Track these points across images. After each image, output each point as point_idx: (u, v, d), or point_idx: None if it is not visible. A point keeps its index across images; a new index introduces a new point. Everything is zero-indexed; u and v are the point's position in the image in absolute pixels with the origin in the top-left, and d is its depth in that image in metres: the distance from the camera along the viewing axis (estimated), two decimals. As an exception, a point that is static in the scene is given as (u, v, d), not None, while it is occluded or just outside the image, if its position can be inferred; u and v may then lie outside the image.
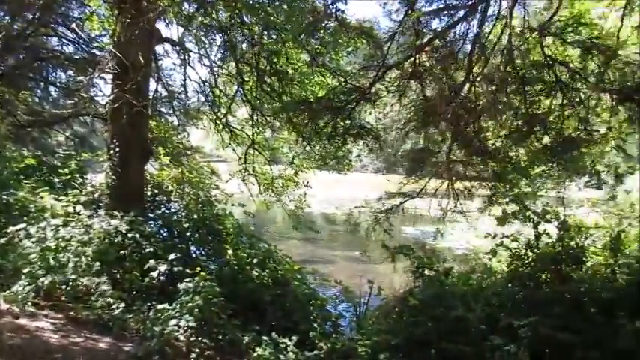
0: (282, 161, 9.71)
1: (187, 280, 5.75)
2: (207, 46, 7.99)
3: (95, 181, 8.33)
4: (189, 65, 8.04)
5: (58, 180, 8.27)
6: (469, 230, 22.39)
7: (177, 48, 7.66)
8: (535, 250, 5.90)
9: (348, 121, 5.17)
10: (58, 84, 11.70)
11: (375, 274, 13.51)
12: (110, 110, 6.95)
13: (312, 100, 5.64)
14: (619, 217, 7.65)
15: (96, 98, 11.42)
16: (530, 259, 6.00)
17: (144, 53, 7.36)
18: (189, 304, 5.24)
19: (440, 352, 5.09)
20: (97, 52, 11.11)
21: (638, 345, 4.42)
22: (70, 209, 7.12)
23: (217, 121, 9.43)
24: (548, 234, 6.09)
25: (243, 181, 9.43)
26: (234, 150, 9.42)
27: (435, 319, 5.31)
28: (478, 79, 4.49)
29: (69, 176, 8.23)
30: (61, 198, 7.13)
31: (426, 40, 4.47)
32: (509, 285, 5.82)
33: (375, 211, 6.16)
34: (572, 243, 6.00)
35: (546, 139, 4.88)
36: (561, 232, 6.03)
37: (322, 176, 10.22)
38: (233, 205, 8.36)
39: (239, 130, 9.37)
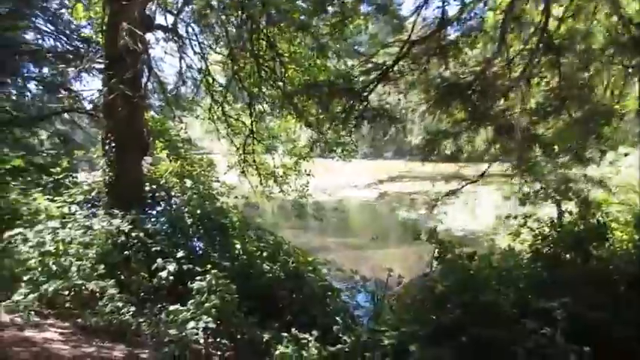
0: (282, 150, 9.38)
1: (199, 278, 5.47)
2: (200, 31, 7.57)
3: (88, 180, 7.90)
4: (184, 53, 7.62)
5: (50, 180, 7.79)
6: (462, 212, 22.29)
7: (171, 35, 7.24)
8: (558, 229, 5.75)
9: (365, 103, 4.88)
10: (39, 79, 11.14)
11: (375, 260, 13.43)
12: (104, 103, 6.51)
13: (323, 82, 5.33)
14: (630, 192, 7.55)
15: (81, 93, 11.00)
16: (552, 238, 5.87)
17: (135, 41, 6.96)
18: (206, 305, 4.95)
19: (472, 339, 4.89)
20: (79, 44, 10.64)
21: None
22: (66, 210, 6.74)
23: (212, 111, 9.05)
24: (570, 212, 5.96)
25: (243, 172, 9.10)
26: (231, 140, 9.05)
27: (464, 306, 5.12)
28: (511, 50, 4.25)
29: (61, 175, 7.77)
30: (56, 198, 6.70)
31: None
32: (534, 266, 5.67)
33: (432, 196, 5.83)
34: (594, 220, 5.88)
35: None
36: (583, 210, 5.89)
37: (307, 164, 9.86)
38: (236, 197, 8.04)
39: (235, 119, 9.00)
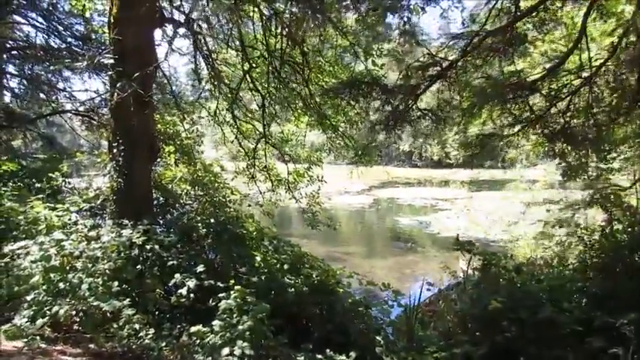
0: (294, 155, 8.88)
1: (222, 295, 4.95)
2: (211, 27, 7.04)
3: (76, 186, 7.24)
4: (198, 50, 7.06)
5: (48, 186, 7.13)
6: (458, 218, 22.20)
7: (184, 30, 6.71)
8: (610, 239, 5.41)
9: (413, 103, 4.45)
10: (28, 78, 10.41)
11: (387, 268, 13.02)
12: (114, 103, 5.94)
13: (363, 80, 4.88)
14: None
15: (72, 93, 10.34)
16: (602, 248, 5.52)
17: (145, 36, 6.43)
18: (240, 327, 4.41)
19: (531, 359, 4.51)
20: (73, 41, 9.99)
21: None
22: (68, 219, 6.12)
23: (218, 113, 8.51)
24: (619, 219, 5.63)
25: (253, 178, 8.56)
26: (240, 144, 8.52)
27: (520, 323, 4.72)
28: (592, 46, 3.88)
29: (59, 181, 7.13)
30: (58, 206, 6.07)
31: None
32: (588, 279, 5.31)
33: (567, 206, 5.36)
34: (640, 229, 5.56)
35: None
36: (632, 219, 5.56)
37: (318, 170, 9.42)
38: (249, 205, 7.51)
39: (246, 122, 8.48)
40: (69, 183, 8.12)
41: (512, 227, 12.99)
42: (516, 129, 4.72)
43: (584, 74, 4.20)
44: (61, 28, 9.77)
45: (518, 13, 3.91)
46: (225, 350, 4.19)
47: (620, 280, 5.04)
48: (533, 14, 3.94)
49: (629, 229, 5.48)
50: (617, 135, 4.82)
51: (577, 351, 4.45)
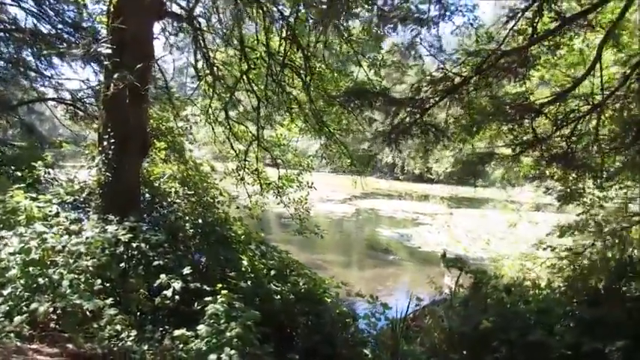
0: (286, 160, 8.76)
1: (209, 299, 4.81)
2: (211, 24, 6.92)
3: (73, 178, 6.96)
4: (196, 46, 6.90)
5: (29, 175, 6.85)
6: (439, 233, 22.28)
7: (183, 24, 6.55)
8: (599, 265, 5.46)
9: (420, 116, 4.41)
10: (14, 62, 10.03)
11: (369, 279, 12.93)
12: (107, 95, 5.74)
13: (371, 90, 4.83)
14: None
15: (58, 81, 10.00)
16: (589, 274, 5.57)
17: (145, 28, 6.27)
18: (228, 334, 4.28)
19: (520, 382, 4.50)
20: (63, 27, 9.69)
21: None
22: (49, 211, 5.87)
23: (210, 112, 8.35)
24: (610, 244, 5.68)
25: (242, 180, 8.41)
26: (232, 146, 8.37)
27: (509, 344, 4.70)
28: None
29: (41, 171, 6.85)
30: (40, 197, 5.82)
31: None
32: (575, 303, 5.33)
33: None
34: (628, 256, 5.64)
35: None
36: (619, 244, 5.62)
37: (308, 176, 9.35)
38: (237, 207, 7.37)
39: (240, 122, 8.34)
40: (49, 173, 7.83)
41: (494, 246, 13.13)
42: (517, 150, 4.74)
43: (592, 101, 4.24)
44: (52, 13, 9.47)
45: (535, 36, 3.93)
46: (212, 357, 4.04)
47: (608, 307, 5.08)
48: (550, 37, 3.97)
49: (618, 257, 5.54)
50: (616, 163, 4.88)
51: (565, 375, 4.45)
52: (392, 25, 4.82)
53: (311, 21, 5.98)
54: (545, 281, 6.05)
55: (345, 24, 5.75)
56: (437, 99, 4.24)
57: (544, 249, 5.94)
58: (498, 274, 6.80)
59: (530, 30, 3.94)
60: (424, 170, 48.15)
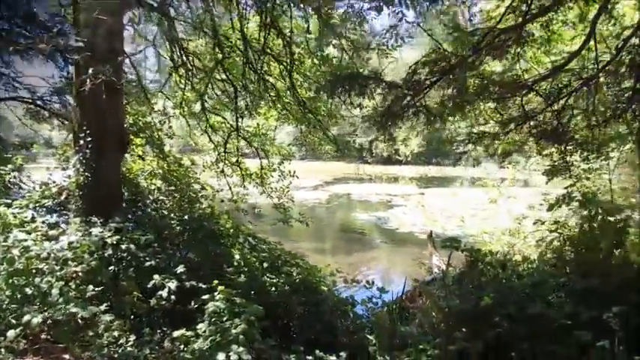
0: (266, 149, 8.58)
1: (207, 297, 4.67)
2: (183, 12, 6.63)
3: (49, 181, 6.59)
4: (166, 36, 6.59)
5: (-1, 180, 6.45)
6: (414, 214, 22.58)
7: (156, 13, 6.24)
8: (588, 236, 5.62)
9: (413, 99, 4.37)
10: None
11: (352, 265, 12.97)
12: (80, 91, 5.43)
13: (362, 74, 4.73)
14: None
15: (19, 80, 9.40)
16: (578, 245, 5.73)
17: (115, 19, 5.94)
18: (234, 331, 4.17)
19: (522, 355, 4.59)
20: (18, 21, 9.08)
21: None
22: (24, 217, 5.55)
23: (185, 104, 8.08)
24: (593, 215, 5.85)
25: (222, 171, 8.21)
26: (209, 137, 8.13)
27: (510, 318, 4.79)
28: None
29: (10, 175, 6.47)
30: (15, 203, 5.49)
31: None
32: (567, 275, 5.49)
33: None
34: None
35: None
36: (605, 215, 5.78)
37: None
38: (222, 201, 7.20)
39: (216, 113, 8.09)
40: (15, 177, 7.41)
41: (468, 223, 13.37)
42: (511, 127, 4.78)
43: (585, 75, 4.30)
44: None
45: (530, 14, 3.92)
46: (221, 356, 3.93)
47: (599, 277, 5.24)
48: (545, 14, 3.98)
49: (606, 227, 5.71)
50: (606, 136, 5.01)
51: (568, 345, 4.56)
52: (376, 5, 4.72)
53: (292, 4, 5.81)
54: (532, 255, 6.21)
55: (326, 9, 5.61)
56: (433, 80, 4.21)
57: (533, 223, 6.07)
58: (490, 251, 6.92)
59: (524, 7, 3.94)
60: (392, 153, 48.80)
